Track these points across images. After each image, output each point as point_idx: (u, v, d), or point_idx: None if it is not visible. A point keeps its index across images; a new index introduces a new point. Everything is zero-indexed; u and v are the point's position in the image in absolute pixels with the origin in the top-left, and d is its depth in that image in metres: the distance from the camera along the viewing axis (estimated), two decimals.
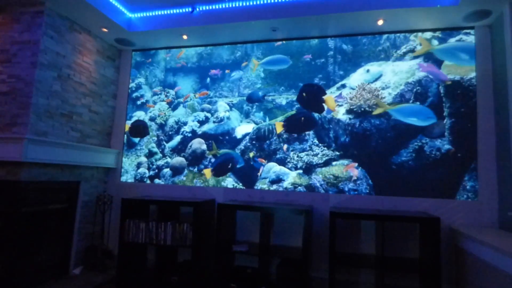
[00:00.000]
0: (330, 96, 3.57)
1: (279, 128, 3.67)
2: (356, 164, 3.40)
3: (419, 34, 3.40)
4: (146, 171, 4.00)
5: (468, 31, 3.28)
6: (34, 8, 3.16)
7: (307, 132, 3.58)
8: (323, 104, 3.57)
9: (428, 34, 3.37)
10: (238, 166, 3.73)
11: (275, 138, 3.66)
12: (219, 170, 3.79)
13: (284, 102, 3.69)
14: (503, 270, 2.09)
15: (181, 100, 4.03)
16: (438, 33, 3.35)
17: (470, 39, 3.27)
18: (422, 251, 3.04)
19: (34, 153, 2.92)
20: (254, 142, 3.72)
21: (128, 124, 4.14)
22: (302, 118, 3.57)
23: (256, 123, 3.75)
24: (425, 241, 2.96)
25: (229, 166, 3.76)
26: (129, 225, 3.32)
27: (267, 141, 3.68)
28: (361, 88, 3.48)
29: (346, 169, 3.42)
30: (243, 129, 3.78)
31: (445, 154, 3.20)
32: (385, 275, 3.05)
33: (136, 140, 4.09)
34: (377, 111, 3.42)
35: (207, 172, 3.81)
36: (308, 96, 3.61)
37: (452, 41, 3.31)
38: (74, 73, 3.52)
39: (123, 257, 3.31)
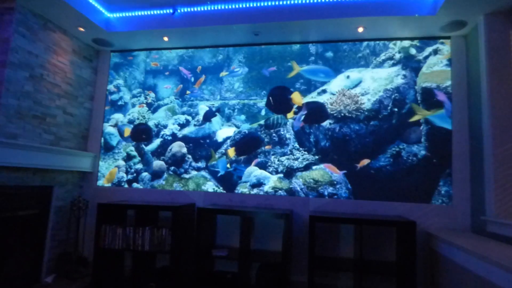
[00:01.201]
0: (296, 92, 3.60)
1: (127, 133, 3.84)
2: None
3: (398, 42, 3.49)
4: (124, 175, 3.90)
5: (444, 40, 3.38)
6: (4, 4, 3.01)
7: (287, 136, 3.58)
8: (290, 102, 3.59)
9: (406, 43, 3.46)
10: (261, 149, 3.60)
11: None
12: (243, 149, 3.64)
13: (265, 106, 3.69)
14: (475, 272, 2.16)
15: (161, 102, 3.96)
16: (416, 42, 3.44)
17: (446, 48, 3.37)
18: (399, 254, 3.11)
19: (2, 156, 2.78)
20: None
21: (128, 128, 3.96)
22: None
23: (237, 127, 3.73)
24: (401, 244, 3.03)
25: (254, 146, 3.59)
26: (105, 231, 3.23)
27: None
28: (341, 94, 3.52)
29: (328, 168, 3.44)
30: (224, 132, 3.74)
31: (421, 160, 3.29)
32: (363, 278, 3.10)
33: (115, 143, 3.97)
34: (291, 74, 3.62)
35: (231, 151, 3.65)
36: (274, 99, 3.63)
37: (429, 50, 3.41)
38: (47, 73, 3.38)
39: (98, 264, 3.21)
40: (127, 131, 3.95)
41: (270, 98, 3.62)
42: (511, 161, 2.74)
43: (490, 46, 2.86)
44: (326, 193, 3.44)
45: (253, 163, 3.61)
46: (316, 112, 3.53)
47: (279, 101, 3.63)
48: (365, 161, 3.37)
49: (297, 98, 3.59)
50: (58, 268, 3.48)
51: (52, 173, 3.42)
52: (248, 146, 3.61)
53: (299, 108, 3.58)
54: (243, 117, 3.73)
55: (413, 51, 3.44)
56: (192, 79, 3.91)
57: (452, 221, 3.16)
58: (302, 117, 3.53)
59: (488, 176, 2.81)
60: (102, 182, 3.93)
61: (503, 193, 2.72)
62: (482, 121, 2.92)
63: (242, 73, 3.79)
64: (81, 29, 3.56)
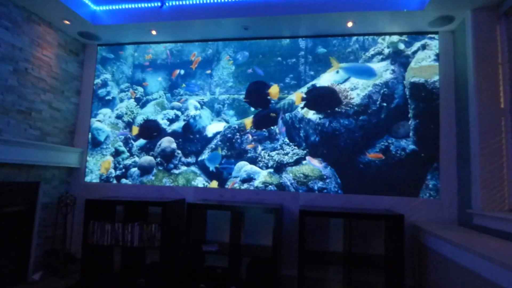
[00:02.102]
0: (274, 86, 3.61)
1: (135, 132, 3.76)
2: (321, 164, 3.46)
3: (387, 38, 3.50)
4: (113, 170, 3.85)
5: (432, 36, 3.41)
6: None
7: (277, 131, 3.58)
8: (268, 97, 3.59)
9: (395, 38, 3.48)
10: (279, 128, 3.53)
11: (246, 137, 3.63)
12: (261, 122, 3.58)
13: None
14: (461, 264, 2.19)
15: (150, 97, 3.91)
16: (404, 37, 3.46)
17: (434, 43, 3.40)
18: (387, 248, 3.15)
19: None
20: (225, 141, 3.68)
21: (135, 126, 3.85)
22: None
23: (227, 122, 3.71)
24: (390, 237, 3.06)
25: (273, 120, 3.52)
26: (94, 227, 3.19)
27: (238, 140, 3.65)
28: None
29: (309, 160, 3.45)
30: (214, 127, 3.72)
31: (409, 154, 3.32)
32: (352, 271, 3.13)
33: (102, 138, 3.92)
34: (331, 70, 3.53)
35: (248, 122, 3.57)
36: (252, 94, 3.63)
37: (418, 45, 3.44)
38: (32, 67, 3.30)
39: (87, 261, 3.17)
40: (135, 130, 3.84)
41: (249, 93, 3.61)
42: (497, 156, 2.78)
43: (477, 41, 2.89)
44: (316, 187, 3.45)
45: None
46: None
47: (257, 96, 3.62)
48: (378, 155, 3.36)
49: (274, 92, 3.58)
50: (45, 265, 3.44)
51: (38, 169, 3.36)
52: (266, 121, 3.55)
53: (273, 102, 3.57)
54: (231, 112, 3.71)
55: (401, 46, 3.46)
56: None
57: (439, 214, 3.21)
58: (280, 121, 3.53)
59: (474, 170, 2.85)
60: (90, 178, 3.88)
61: (489, 187, 2.77)
62: (469, 116, 2.96)
63: (246, 56, 3.75)
64: (67, 22, 3.48)
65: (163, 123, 3.83)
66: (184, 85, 3.82)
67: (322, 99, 3.52)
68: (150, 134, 3.81)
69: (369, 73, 3.45)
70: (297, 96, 3.57)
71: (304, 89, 3.59)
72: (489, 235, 2.54)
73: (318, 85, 3.55)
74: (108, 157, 3.86)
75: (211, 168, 3.67)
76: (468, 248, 2.10)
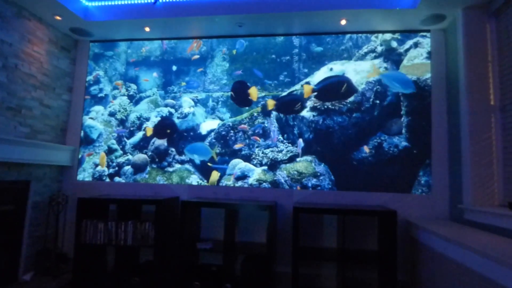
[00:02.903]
0: (253, 87, 3.62)
1: (149, 132, 3.74)
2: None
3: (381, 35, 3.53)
4: (105, 169, 3.81)
5: (424, 34, 3.45)
6: None
7: (272, 129, 3.58)
8: (249, 97, 3.61)
9: (388, 36, 3.51)
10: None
11: (240, 134, 3.63)
12: (286, 108, 3.54)
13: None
14: (452, 258, 2.23)
15: (143, 94, 3.87)
16: (397, 35, 3.50)
17: (426, 41, 3.44)
18: (380, 243, 3.18)
19: None
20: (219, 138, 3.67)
21: (148, 125, 3.77)
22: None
23: (221, 119, 3.70)
24: (383, 233, 3.10)
25: (296, 108, 3.46)
26: (86, 226, 3.16)
27: (233, 137, 3.64)
28: None
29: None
30: (208, 125, 3.71)
31: (402, 151, 3.36)
32: (346, 267, 3.17)
33: (95, 136, 3.87)
34: (370, 75, 3.48)
35: (271, 103, 3.50)
36: (236, 93, 3.65)
37: (410, 43, 3.48)
38: (22, 63, 3.24)
39: (79, 260, 3.13)
40: (149, 131, 3.76)
41: (232, 92, 3.63)
42: (487, 152, 2.83)
43: (468, 40, 2.94)
44: (309, 184, 3.47)
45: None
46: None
47: (241, 95, 3.64)
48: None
49: (253, 94, 3.61)
50: (37, 265, 3.38)
51: (28, 168, 3.30)
52: (288, 106, 3.53)
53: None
54: (225, 109, 3.70)
55: (394, 44, 3.50)
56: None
57: (431, 210, 3.26)
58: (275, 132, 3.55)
59: (465, 166, 2.90)
60: (83, 176, 3.83)
61: (480, 182, 2.81)
62: (460, 113, 3.01)
63: (242, 44, 3.75)
64: (58, 17, 3.42)
65: (157, 120, 3.80)
66: (184, 83, 3.79)
67: (334, 90, 3.50)
68: (164, 133, 3.74)
69: (405, 84, 3.39)
70: (306, 88, 3.53)
71: (298, 86, 3.60)
72: (480, 230, 2.59)
73: (329, 75, 3.53)
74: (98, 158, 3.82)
75: (196, 161, 3.66)
76: (459, 242, 2.14)
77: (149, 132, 3.76)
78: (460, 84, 3.00)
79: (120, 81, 3.84)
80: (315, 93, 3.52)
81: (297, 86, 3.54)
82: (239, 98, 3.65)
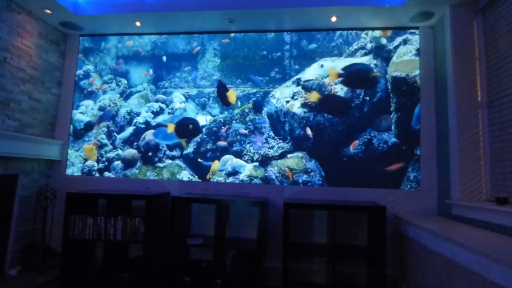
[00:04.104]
0: (231, 90, 3.65)
1: (170, 129, 3.69)
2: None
3: (369, 31, 3.56)
4: (95, 163, 3.78)
5: (413, 31, 3.49)
6: None
7: (263, 125, 3.59)
8: (227, 99, 3.65)
9: (377, 32, 3.55)
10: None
11: (231, 130, 3.63)
12: (356, 80, 3.45)
13: (241, 95, 3.68)
14: (440, 253, 2.24)
15: (134, 89, 3.86)
16: (387, 32, 3.53)
17: (415, 38, 3.49)
18: (370, 239, 3.20)
19: None
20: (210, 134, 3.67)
21: (170, 123, 3.70)
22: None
23: (212, 115, 3.70)
24: (372, 228, 3.11)
25: (370, 78, 3.40)
26: (75, 221, 3.13)
27: (224, 133, 3.65)
28: None
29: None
30: (200, 120, 3.70)
31: (391, 147, 3.39)
32: (336, 262, 3.18)
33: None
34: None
35: (333, 73, 3.37)
36: (220, 92, 3.67)
37: (399, 39, 3.52)
38: (11, 56, 3.21)
39: (67, 255, 3.10)
40: (171, 127, 3.71)
41: (217, 91, 3.67)
42: (474, 148, 2.86)
43: (455, 37, 2.98)
44: (300, 180, 3.48)
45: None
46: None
47: (223, 95, 3.66)
48: (397, 166, 3.36)
49: (232, 96, 3.64)
50: (23, 260, 3.34)
51: (16, 162, 3.27)
52: (359, 76, 3.46)
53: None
54: (216, 105, 3.71)
55: (383, 40, 3.53)
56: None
57: (420, 205, 3.29)
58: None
59: (453, 162, 2.93)
60: (72, 171, 3.79)
61: (467, 177, 2.84)
62: (448, 109, 3.05)
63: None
64: (48, 11, 3.40)
65: (147, 115, 3.79)
66: (190, 78, 3.77)
67: (361, 76, 3.47)
68: (186, 131, 3.69)
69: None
70: (332, 72, 3.47)
71: (289, 82, 3.61)
72: (468, 225, 2.61)
73: (356, 62, 3.52)
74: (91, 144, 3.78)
75: (163, 143, 3.69)
76: (446, 237, 2.15)
77: (170, 129, 3.71)
78: (448, 80, 3.04)
79: (116, 82, 3.83)
80: (342, 78, 3.49)
81: (321, 71, 3.48)
82: (220, 97, 3.67)
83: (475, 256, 1.80)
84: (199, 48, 3.79)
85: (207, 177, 3.60)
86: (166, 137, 3.69)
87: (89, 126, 3.82)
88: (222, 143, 3.59)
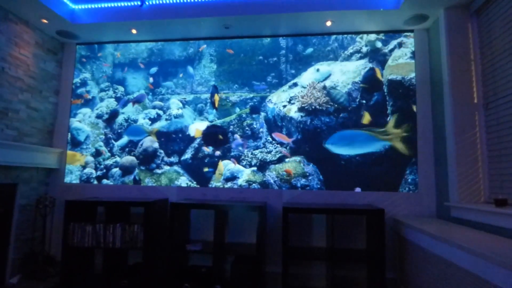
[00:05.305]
0: (216, 95, 3.69)
1: (197, 134, 3.67)
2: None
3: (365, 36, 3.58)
4: (93, 171, 3.79)
5: (408, 34, 3.50)
6: None
7: (261, 130, 3.60)
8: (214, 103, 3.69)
9: (372, 36, 3.55)
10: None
11: (229, 135, 3.64)
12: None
13: (238, 100, 3.69)
14: (440, 256, 2.23)
15: (131, 96, 3.87)
16: (381, 35, 3.54)
17: (410, 41, 3.49)
18: (369, 242, 3.19)
19: None
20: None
21: (196, 128, 3.64)
22: (220, 136, 3.57)
23: (209, 121, 3.71)
24: (371, 232, 3.11)
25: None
26: (74, 229, 3.14)
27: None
28: (312, 87, 3.58)
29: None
30: (197, 126, 3.71)
31: (389, 150, 3.39)
32: (335, 266, 3.17)
33: (82, 139, 3.85)
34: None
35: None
36: (211, 95, 3.71)
37: (394, 43, 3.52)
38: (9, 66, 3.23)
39: (67, 263, 3.11)
40: (198, 132, 3.66)
41: (210, 96, 3.71)
42: (472, 149, 2.86)
43: (450, 39, 2.98)
44: (299, 184, 3.48)
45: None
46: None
47: (211, 99, 3.71)
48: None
49: (216, 99, 3.68)
50: (24, 268, 3.35)
51: (15, 170, 3.28)
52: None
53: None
54: (214, 111, 3.72)
55: (379, 44, 3.54)
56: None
57: (418, 208, 3.28)
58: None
59: (451, 164, 2.93)
60: (70, 179, 3.81)
61: (465, 179, 2.84)
62: (444, 111, 3.05)
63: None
64: (45, 20, 3.42)
65: (145, 122, 3.80)
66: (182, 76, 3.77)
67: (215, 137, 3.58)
68: (215, 140, 3.63)
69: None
70: (196, 131, 3.63)
71: (286, 87, 3.62)
72: (466, 227, 2.60)
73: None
74: (85, 160, 3.80)
75: (134, 139, 3.74)
76: (445, 239, 2.14)
77: (197, 134, 3.66)
78: (444, 82, 3.04)
79: (113, 89, 3.85)
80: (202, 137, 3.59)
81: (317, 75, 3.50)
82: (210, 101, 3.71)
83: (475, 258, 1.79)
84: (204, 46, 3.80)
85: (216, 177, 3.59)
86: (132, 132, 3.72)
87: (115, 114, 3.81)
88: (206, 149, 3.57)
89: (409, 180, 3.33)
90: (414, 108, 3.39)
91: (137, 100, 3.68)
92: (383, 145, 3.38)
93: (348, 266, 3.28)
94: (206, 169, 3.60)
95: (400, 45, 3.49)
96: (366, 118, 3.39)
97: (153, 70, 3.82)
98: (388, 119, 3.42)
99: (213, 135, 3.66)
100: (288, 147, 3.51)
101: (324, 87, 3.46)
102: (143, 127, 3.69)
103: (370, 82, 3.48)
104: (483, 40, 2.81)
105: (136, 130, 3.73)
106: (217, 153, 3.51)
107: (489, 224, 2.37)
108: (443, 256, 2.18)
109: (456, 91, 2.93)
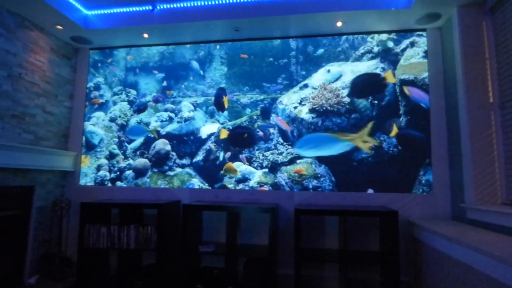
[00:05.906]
0: (225, 97, 3.70)
1: (224, 135, 3.68)
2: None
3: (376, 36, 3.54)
4: (107, 173, 3.86)
5: (420, 33, 3.45)
6: None
7: (271, 131, 3.60)
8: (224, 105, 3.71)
9: (384, 36, 3.52)
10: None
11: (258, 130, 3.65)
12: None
13: (248, 102, 3.70)
14: (456, 258, 2.20)
15: (144, 100, 3.92)
16: (393, 35, 3.50)
17: (422, 40, 3.44)
18: (382, 244, 3.16)
19: None
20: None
21: (223, 129, 3.65)
22: (245, 135, 3.53)
23: (220, 123, 3.73)
24: (385, 234, 3.08)
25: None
26: (89, 230, 3.20)
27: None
28: (323, 88, 3.56)
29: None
30: (208, 129, 3.74)
31: (402, 150, 3.35)
32: (348, 268, 3.15)
33: (97, 142, 3.93)
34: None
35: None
36: (217, 99, 3.72)
37: (406, 42, 3.48)
38: (26, 72, 3.32)
39: (83, 264, 3.17)
40: (224, 133, 3.67)
41: (214, 98, 3.73)
42: (487, 149, 2.80)
43: (464, 38, 2.93)
44: (310, 186, 3.47)
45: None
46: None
47: (219, 100, 3.71)
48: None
49: (225, 102, 3.70)
50: (41, 268, 3.44)
51: (33, 173, 3.37)
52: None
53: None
54: (225, 113, 3.74)
55: (390, 44, 3.50)
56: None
57: (433, 210, 3.23)
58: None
59: (466, 165, 2.87)
60: (85, 181, 3.89)
61: (481, 181, 2.78)
62: (459, 111, 2.99)
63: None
64: (59, 27, 3.51)
65: (157, 125, 3.85)
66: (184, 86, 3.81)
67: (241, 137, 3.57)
68: (240, 141, 3.62)
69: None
70: (222, 131, 3.63)
71: (297, 88, 3.62)
72: (483, 229, 2.55)
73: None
74: (99, 163, 3.88)
75: (137, 138, 3.80)
76: (462, 242, 2.11)
77: (223, 135, 3.67)
78: (458, 82, 2.99)
79: (125, 93, 3.91)
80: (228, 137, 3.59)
81: (328, 76, 3.53)
82: (218, 102, 3.72)
83: (493, 261, 1.76)
84: (218, 47, 3.84)
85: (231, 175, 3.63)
86: (133, 132, 3.79)
87: (143, 108, 3.88)
88: (214, 147, 3.60)
89: (423, 181, 3.28)
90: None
91: (156, 100, 3.73)
92: (346, 145, 3.41)
93: (362, 268, 3.25)
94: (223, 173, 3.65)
95: (412, 44, 3.45)
96: (394, 131, 3.36)
97: (160, 76, 3.88)
98: (400, 119, 3.38)
99: (239, 135, 3.66)
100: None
101: (349, 95, 3.48)
102: (143, 126, 3.73)
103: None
104: (499, 38, 2.75)
105: (137, 130, 3.78)
106: (242, 156, 3.56)
107: (508, 227, 2.32)
108: (460, 259, 2.15)
109: (471, 90, 2.87)
